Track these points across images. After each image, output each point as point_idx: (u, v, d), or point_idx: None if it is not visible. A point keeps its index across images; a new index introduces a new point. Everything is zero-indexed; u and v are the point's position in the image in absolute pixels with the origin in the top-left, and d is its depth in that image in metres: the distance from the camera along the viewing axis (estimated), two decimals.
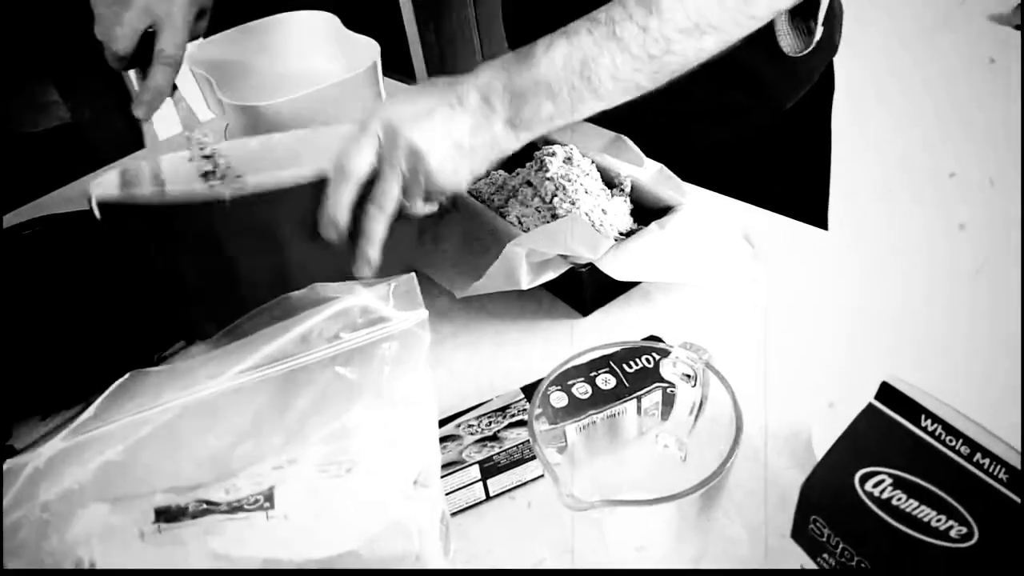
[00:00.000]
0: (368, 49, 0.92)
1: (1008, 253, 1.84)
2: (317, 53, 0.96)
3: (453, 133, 0.61)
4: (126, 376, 0.36)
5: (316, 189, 0.60)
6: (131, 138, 1.90)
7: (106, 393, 0.35)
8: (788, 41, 0.86)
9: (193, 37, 0.79)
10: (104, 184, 0.68)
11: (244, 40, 0.96)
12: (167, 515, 0.37)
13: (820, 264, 0.75)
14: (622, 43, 0.61)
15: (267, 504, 0.39)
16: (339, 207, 0.60)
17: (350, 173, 0.60)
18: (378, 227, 0.61)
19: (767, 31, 0.77)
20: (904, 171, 2.36)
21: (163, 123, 1.84)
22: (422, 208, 0.63)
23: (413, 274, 0.39)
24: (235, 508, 0.38)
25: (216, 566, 0.37)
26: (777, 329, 0.69)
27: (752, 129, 0.95)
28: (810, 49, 0.88)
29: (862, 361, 0.65)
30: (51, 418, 0.63)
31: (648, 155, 0.79)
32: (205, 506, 0.38)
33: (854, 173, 1.41)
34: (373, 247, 0.62)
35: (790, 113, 0.95)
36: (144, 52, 0.76)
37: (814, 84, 0.96)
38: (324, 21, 0.98)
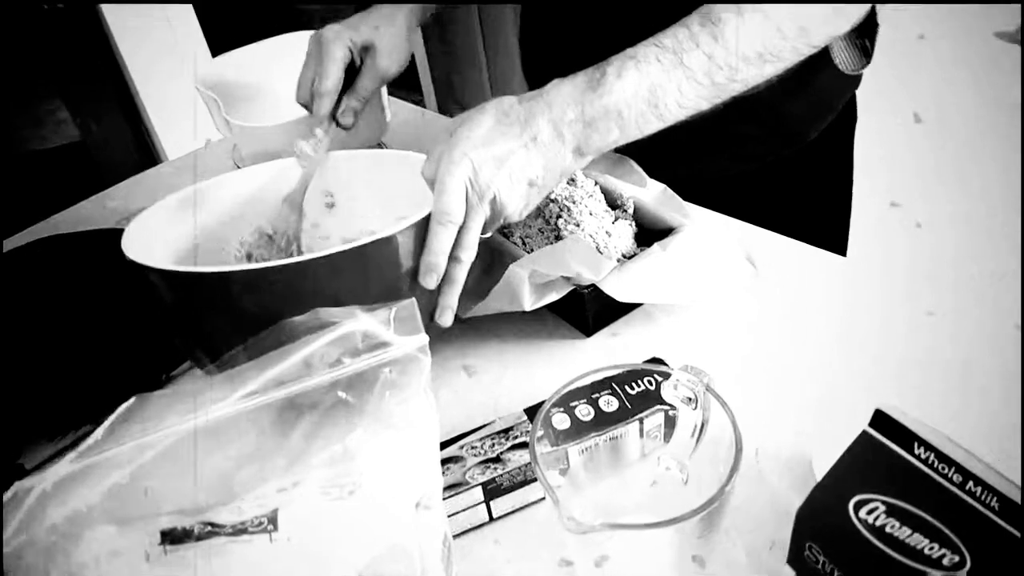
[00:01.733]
0: None
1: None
2: None
3: (529, 174, 0.63)
4: (131, 400, 0.36)
5: (387, 245, 0.60)
6: (139, 157, 1.93)
7: (112, 417, 0.36)
8: (843, 57, 0.87)
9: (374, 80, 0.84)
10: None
11: (251, 60, 0.97)
12: (173, 537, 0.38)
13: (825, 286, 0.76)
14: (689, 71, 0.62)
15: (271, 527, 0.39)
16: (441, 254, 0.61)
17: (454, 220, 0.61)
18: (463, 273, 0.63)
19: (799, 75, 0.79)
20: (925, 202, 2.36)
21: (176, 138, 1.87)
22: None
23: (414, 299, 0.40)
24: (239, 530, 0.39)
25: None
26: (780, 351, 0.69)
27: (772, 159, 0.95)
28: (861, 68, 0.89)
29: (866, 386, 0.65)
30: (59, 439, 0.63)
31: (658, 179, 0.80)
32: (210, 528, 0.39)
33: (875, 200, 1.41)
34: (455, 294, 0.64)
35: (812, 143, 0.96)
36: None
37: (837, 115, 0.96)
38: None
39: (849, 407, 0.62)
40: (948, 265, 2.03)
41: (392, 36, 0.83)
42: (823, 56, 0.77)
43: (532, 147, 0.62)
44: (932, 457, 0.32)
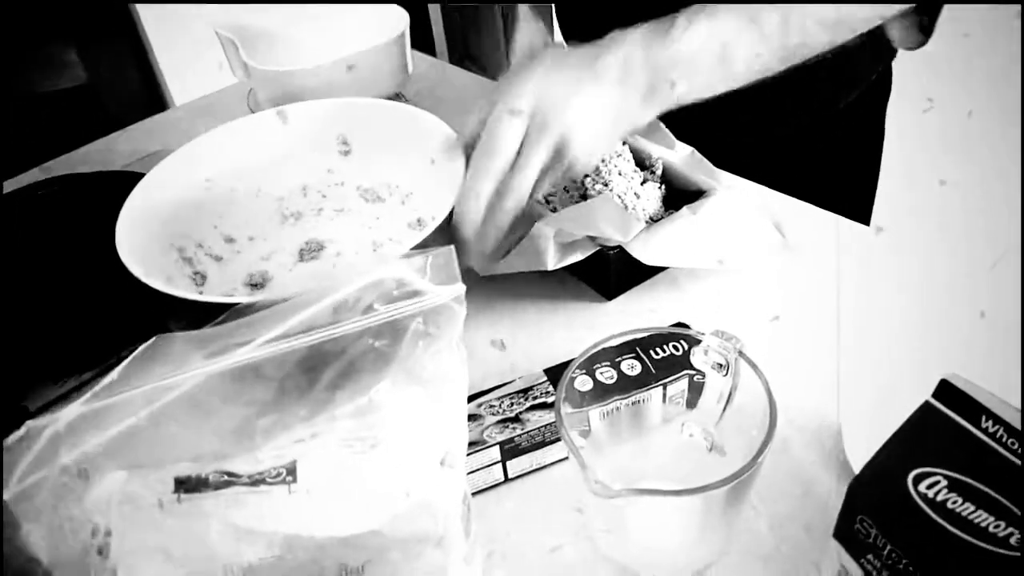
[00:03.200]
0: (397, 18, 0.90)
1: None
2: (345, 20, 0.94)
3: (598, 111, 0.57)
4: (151, 340, 0.35)
5: None
6: (147, 100, 1.89)
7: (131, 357, 0.34)
8: (902, 35, 0.85)
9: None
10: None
11: (271, 5, 0.94)
12: (187, 485, 0.36)
13: (854, 257, 0.74)
14: (762, 32, 0.59)
15: (289, 478, 0.38)
16: (481, 197, 0.54)
17: (499, 155, 0.54)
18: (505, 221, 0.56)
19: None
20: (956, 170, 2.34)
21: (185, 82, 1.83)
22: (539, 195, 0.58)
23: (452, 247, 0.38)
24: (257, 481, 0.37)
25: (236, 539, 0.36)
26: (806, 320, 0.68)
27: (801, 126, 0.94)
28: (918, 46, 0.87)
29: (896, 356, 0.63)
30: (64, 382, 0.62)
31: (690, 141, 0.77)
32: (226, 478, 0.37)
33: (904, 171, 1.39)
34: (492, 240, 0.56)
35: (842, 111, 0.94)
36: None
37: (870, 84, 0.94)
38: None
39: (880, 379, 0.61)
40: (980, 232, 2.03)
41: None
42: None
43: (600, 84, 0.57)
44: (1001, 431, 0.31)
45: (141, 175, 0.67)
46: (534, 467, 0.58)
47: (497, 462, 0.56)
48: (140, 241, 0.61)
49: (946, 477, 0.31)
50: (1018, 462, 0.30)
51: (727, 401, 0.53)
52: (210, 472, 0.37)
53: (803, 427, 0.59)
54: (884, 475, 0.33)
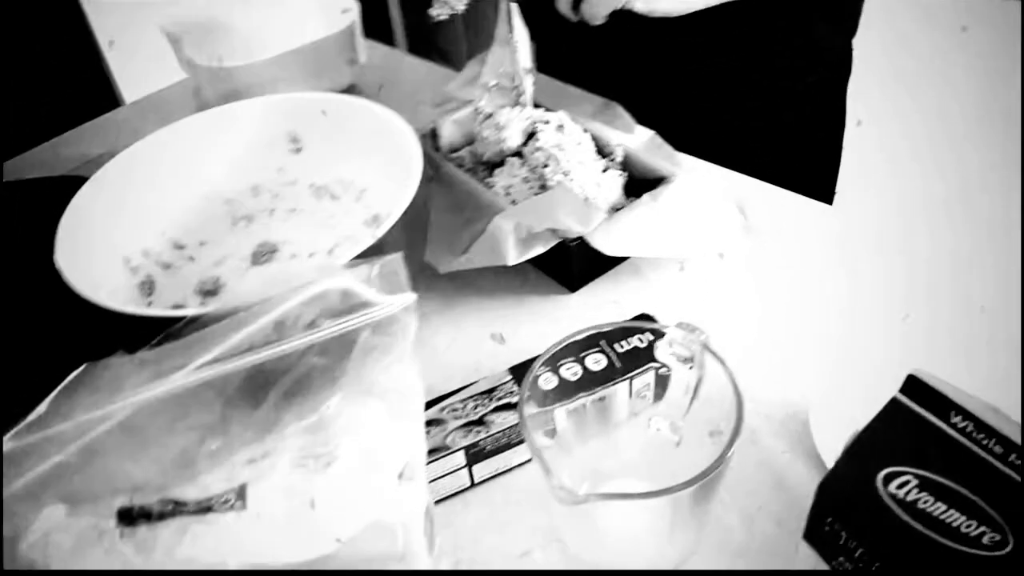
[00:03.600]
0: (346, 7, 0.87)
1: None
2: (294, 12, 0.91)
3: None
4: (81, 367, 0.33)
5: None
6: (97, 99, 1.84)
7: (59, 388, 0.32)
8: None
9: None
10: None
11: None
12: (129, 517, 0.34)
13: (818, 237, 0.73)
14: None
15: (239, 503, 0.36)
16: None
17: None
18: None
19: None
20: (917, 150, 2.36)
21: (136, 80, 1.78)
22: None
23: (400, 254, 0.36)
24: (204, 508, 0.35)
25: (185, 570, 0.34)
26: (772, 306, 0.67)
27: (765, 103, 0.93)
28: None
29: (862, 341, 0.63)
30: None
31: (650, 124, 0.76)
32: (172, 506, 0.35)
33: (865, 150, 1.39)
34: None
35: (804, 90, 0.93)
36: None
37: (833, 62, 0.94)
38: None
39: (848, 364, 0.60)
40: (942, 213, 2.04)
41: None
42: (813, 11, 0.74)
43: None
44: (970, 426, 0.30)
45: (84, 179, 0.65)
46: (501, 470, 0.57)
47: (463, 467, 0.55)
48: (82, 251, 0.58)
49: (916, 476, 0.30)
50: (988, 457, 0.30)
51: (693, 394, 0.52)
52: (154, 502, 0.35)
53: (771, 416, 0.58)
54: (853, 476, 0.32)
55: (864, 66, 1.04)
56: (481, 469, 0.56)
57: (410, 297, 0.35)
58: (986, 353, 0.60)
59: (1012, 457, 0.29)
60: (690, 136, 0.84)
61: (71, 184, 0.65)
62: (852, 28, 0.94)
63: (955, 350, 0.61)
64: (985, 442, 0.30)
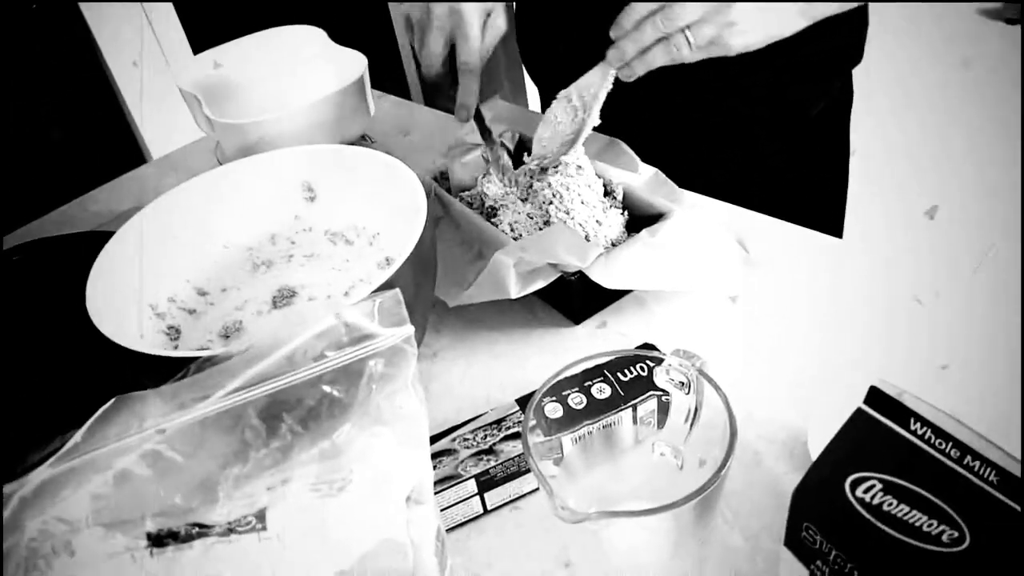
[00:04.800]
0: (355, 62, 0.92)
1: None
2: (305, 68, 0.96)
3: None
4: (112, 401, 0.36)
5: None
6: (125, 156, 1.91)
7: (92, 419, 0.35)
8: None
9: (494, 38, 0.81)
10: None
11: (231, 57, 0.96)
12: (158, 539, 0.37)
13: (820, 267, 0.75)
14: None
15: (259, 525, 0.39)
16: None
17: None
18: None
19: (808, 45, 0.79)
20: (921, 180, 2.37)
21: (162, 136, 1.85)
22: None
23: (398, 290, 0.39)
24: (227, 531, 0.38)
25: None
26: (775, 333, 0.69)
27: (772, 139, 0.95)
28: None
29: (862, 366, 0.65)
30: (45, 447, 0.62)
31: (655, 161, 0.79)
32: (198, 529, 0.38)
33: (871, 182, 1.41)
34: None
35: (810, 123, 0.95)
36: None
37: (835, 94, 0.96)
38: (311, 35, 0.98)
39: (845, 387, 0.62)
40: (944, 246, 2.04)
41: None
42: (822, 33, 0.77)
43: None
44: (929, 432, 0.32)
45: (111, 234, 0.69)
46: (512, 497, 0.59)
47: (475, 495, 0.57)
48: (111, 300, 0.62)
49: (880, 480, 0.32)
50: (946, 461, 0.32)
51: (693, 419, 0.54)
52: (181, 525, 0.38)
53: (773, 439, 0.60)
54: (824, 482, 0.34)
55: (865, 97, 1.06)
56: (493, 496, 0.58)
57: (409, 329, 0.38)
58: (960, 371, 0.62)
59: (967, 460, 0.31)
60: (695, 172, 0.87)
61: (100, 238, 0.69)
62: (857, 58, 0.97)
63: (958, 371, 0.62)
64: (942, 447, 0.32)
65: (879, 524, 0.31)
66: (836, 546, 0.32)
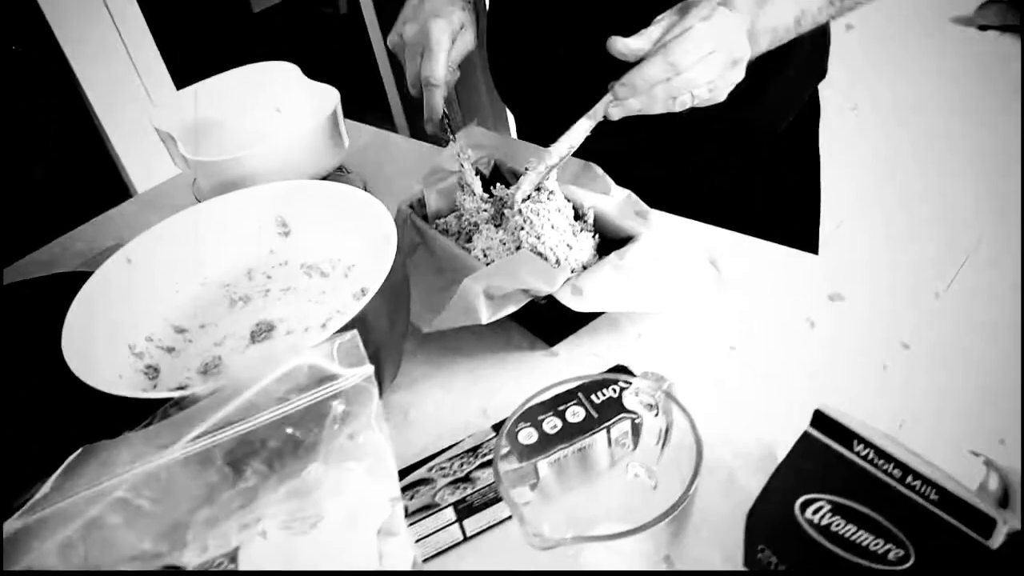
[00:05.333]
0: (328, 96, 0.93)
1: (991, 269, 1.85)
2: (279, 103, 0.97)
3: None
4: (79, 451, 0.36)
5: None
6: (110, 193, 1.92)
7: (61, 469, 0.36)
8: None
9: (460, 53, 0.85)
10: None
11: (206, 95, 0.97)
12: None
13: (792, 284, 0.76)
14: None
15: (231, 566, 0.39)
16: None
17: None
18: None
19: (773, 62, 0.81)
20: (891, 190, 2.38)
21: (146, 173, 1.87)
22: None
23: (355, 331, 0.40)
24: (200, 573, 0.39)
25: None
26: (749, 352, 0.70)
27: (742, 154, 0.96)
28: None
29: (830, 383, 0.65)
30: (30, 490, 0.63)
31: (631, 183, 0.80)
32: (172, 572, 0.39)
33: (840, 197, 1.43)
34: None
35: (779, 139, 0.97)
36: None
37: (802, 108, 0.98)
38: (284, 71, 0.99)
39: (815, 403, 0.63)
40: (920, 261, 2.05)
41: (468, 14, 0.86)
42: (792, 49, 0.79)
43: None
44: (871, 453, 0.33)
45: (89, 274, 0.69)
46: (492, 523, 0.59)
47: (453, 522, 0.58)
48: (88, 341, 0.63)
49: (829, 501, 0.33)
50: (889, 480, 0.32)
51: (664, 439, 0.54)
52: (155, 568, 0.39)
53: (748, 456, 0.61)
54: (775, 504, 0.35)
55: (831, 109, 1.07)
56: (472, 523, 0.58)
57: (368, 369, 0.39)
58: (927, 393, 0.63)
59: (909, 479, 0.32)
60: (668, 193, 0.88)
61: (77, 279, 0.70)
62: (821, 72, 0.98)
63: (939, 388, 0.63)
64: (885, 467, 0.33)
65: (828, 545, 0.32)
66: (789, 567, 0.33)
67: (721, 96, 0.70)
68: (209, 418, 0.37)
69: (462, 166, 0.82)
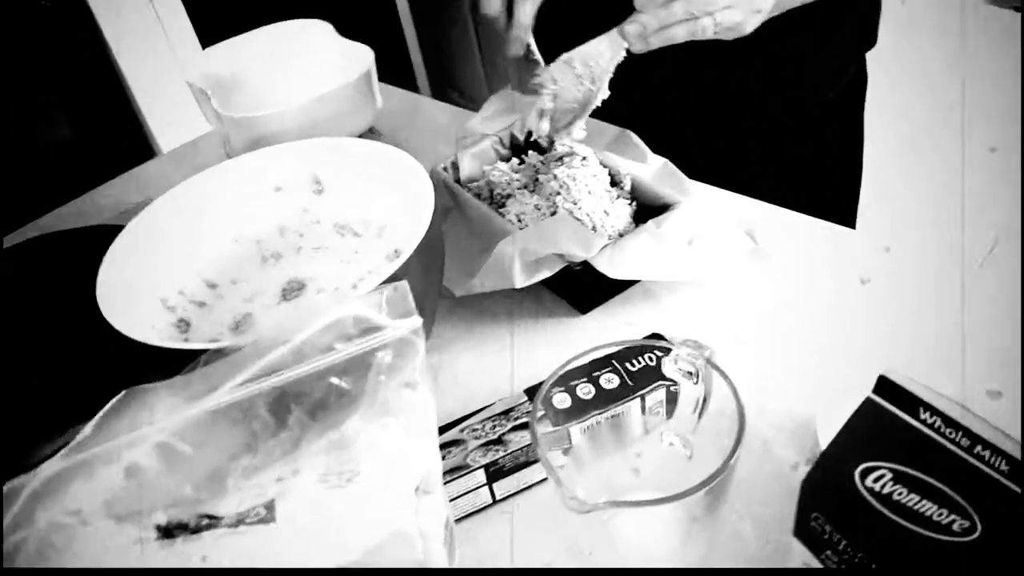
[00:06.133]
0: (362, 55, 0.92)
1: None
2: (312, 61, 0.96)
3: None
4: (122, 394, 0.36)
5: None
6: (135, 152, 1.92)
7: (102, 412, 0.35)
8: None
9: None
10: None
11: (239, 52, 0.96)
12: (168, 531, 0.37)
13: (831, 257, 0.75)
14: None
15: (269, 516, 0.39)
16: None
17: None
18: None
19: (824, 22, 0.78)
20: (932, 165, 2.34)
21: (171, 130, 1.86)
22: None
23: (405, 281, 0.39)
24: (237, 522, 0.38)
25: None
26: (785, 323, 0.69)
27: (788, 124, 0.94)
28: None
29: (872, 356, 0.64)
30: (58, 438, 0.63)
31: (665, 151, 0.79)
32: (207, 520, 0.38)
33: (883, 171, 1.40)
34: None
35: (824, 109, 0.95)
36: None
37: (849, 78, 0.95)
38: (318, 29, 0.98)
39: (855, 377, 0.62)
40: (955, 235, 2.02)
41: None
42: (842, 12, 0.76)
43: None
44: (939, 422, 0.32)
45: (121, 227, 0.69)
46: (521, 487, 0.59)
47: (483, 485, 0.57)
48: (122, 293, 0.62)
49: (890, 470, 0.32)
50: (956, 450, 0.31)
51: (701, 408, 0.54)
52: (191, 516, 0.38)
53: (782, 427, 0.60)
54: (833, 472, 0.34)
55: (879, 81, 1.05)
56: (502, 487, 0.58)
57: (417, 321, 0.38)
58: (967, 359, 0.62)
59: (978, 449, 0.31)
60: (707, 162, 0.87)
61: (110, 232, 0.70)
62: (872, 40, 0.96)
63: (968, 362, 0.62)
64: (952, 436, 0.31)
65: (889, 514, 0.31)
66: (845, 536, 0.32)
67: (747, 28, 0.66)
68: (253, 365, 0.36)
69: (541, 92, 0.77)
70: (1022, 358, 0.59)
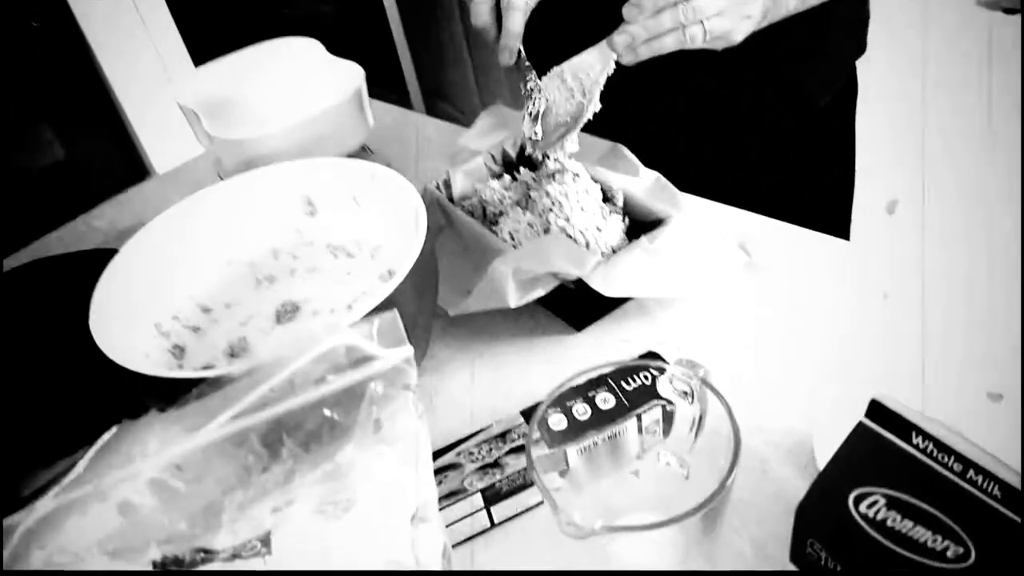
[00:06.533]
0: (353, 73, 0.92)
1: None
2: (303, 80, 0.96)
3: None
4: (113, 429, 0.36)
5: None
6: (128, 173, 1.92)
7: (95, 447, 0.35)
8: None
9: None
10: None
11: (229, 71, 0.96)
12: (164, 566, 0.37)
13: (824, 270, 0.75)
14: None
15: (264, 549, 0.39)
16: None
17: None
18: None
19: (814, 29, 0.78)
20: (925, 176, 2.34)
21: (165, 151, 1.86)
22: None
23: (395, 311, 0.39)
24: (233, 556, 0.38)
25: None
26: (780, 339, 0.68)
27: (779, 134, 0.94)
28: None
29: (864, 372, 0.64)
30: (54, 465, 0.62)
31: (657, 165, 0.79)
32: (203, 555, 0.38)
33: (876, 181, 1.40)
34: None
35: (815, 119, 0.95)
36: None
37: (840, 88, 0.95)
38: (307, 47, 0.98)
39: (851, 395, 0.62)
40: (953, 247, 2.02)
41: None
42: (832, 19, 0.76)
43: None
44: (931, 446, 0.32)
45: (115, 251, 0.69)
46: (519, 510, 0.59)
47: (481, 509, 0.57)
48: (115, 320, 0.62)
49: (884, 496, 0.32)
50: (949, 475, 0.31)
51: (697, 428, 0.53)
52: (186, 551, 0.38)
53: (779, 445, 0.60)
54: (827, 497, 0.34)
55: (869, 88, 1.05)
56: (500, 510, 0.58)
57: (408, 350, 0.38)
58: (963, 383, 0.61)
59: (970, 474, 0.31)
60: (699, 175, 0.87)
61: (102, 256, 0.70)
62: (861, 46, 0.96)
63: (967, 378, 0.62)
64: (945, 460, 0.31)
65: (883, 540, 0.31)
66: (841, 563, 0.32)
67: (737, 37, 0.67)
68: (245, 398, 0.36)
69: (533, 97, 0.76)
70: (1022, 358, 0.59)
